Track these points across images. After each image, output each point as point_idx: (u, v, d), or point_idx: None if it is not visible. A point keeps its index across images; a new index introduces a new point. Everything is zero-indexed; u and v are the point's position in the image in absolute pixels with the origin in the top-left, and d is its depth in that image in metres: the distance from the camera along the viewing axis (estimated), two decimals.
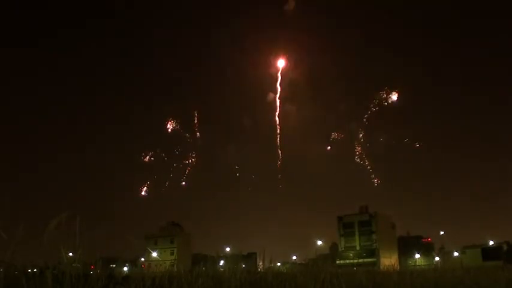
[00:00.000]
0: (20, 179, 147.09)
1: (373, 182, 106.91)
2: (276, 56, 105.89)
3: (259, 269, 12.29)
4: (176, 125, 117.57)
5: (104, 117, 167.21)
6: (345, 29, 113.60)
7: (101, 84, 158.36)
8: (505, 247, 77.89)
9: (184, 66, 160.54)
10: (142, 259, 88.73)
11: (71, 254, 7.92)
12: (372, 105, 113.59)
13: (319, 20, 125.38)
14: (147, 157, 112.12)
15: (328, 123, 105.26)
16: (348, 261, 75.79)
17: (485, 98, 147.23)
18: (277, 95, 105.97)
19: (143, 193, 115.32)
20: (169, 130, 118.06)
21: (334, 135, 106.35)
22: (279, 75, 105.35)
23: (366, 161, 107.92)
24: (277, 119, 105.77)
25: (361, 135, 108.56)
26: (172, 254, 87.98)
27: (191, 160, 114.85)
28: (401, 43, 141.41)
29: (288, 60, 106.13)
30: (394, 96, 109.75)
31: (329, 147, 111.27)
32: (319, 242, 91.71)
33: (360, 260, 76.48)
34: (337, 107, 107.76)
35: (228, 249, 79.14)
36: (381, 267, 38.28)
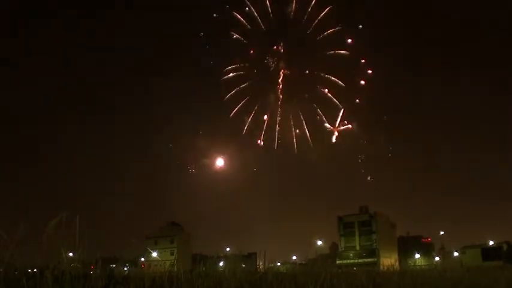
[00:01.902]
0: (20, 179, 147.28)
1: (372, 182, 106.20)
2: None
3: (259, 269, 12.28)
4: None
5: (104, 117, 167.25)
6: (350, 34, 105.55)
7: (101, 85, 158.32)
8: (505, 247, 77.82)
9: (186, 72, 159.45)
10: (142, 259, 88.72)
11: (71, 254, 7.92)
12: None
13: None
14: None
15: (329, 123, 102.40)
16: (348, 261, 75.71)
17: (485, 98, 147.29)
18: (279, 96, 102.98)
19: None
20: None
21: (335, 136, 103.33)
22: (280, 82, 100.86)
23: (366, 161, 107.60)
24: (278, 119, 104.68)
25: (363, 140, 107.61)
26: (172, 254, 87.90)
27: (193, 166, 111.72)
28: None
29: (288, 60, 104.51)
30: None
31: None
32: (319, 242, 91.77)
33: (360, 260, 76.47)
34: (337, 107, 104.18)
35: (228, 249, 79.03)
36: (381, 267, 38.26)
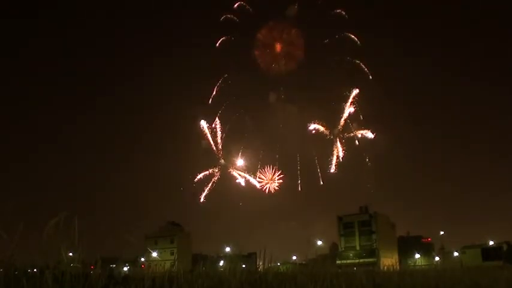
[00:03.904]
0: (20, 179, 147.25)
1: (371, 183, 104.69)
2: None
3: (258, 269, 12.28)
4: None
5: (105, 117, 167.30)
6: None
7: (102, 85, 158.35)
8: (505, 247, 77.96)
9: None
10: (142, 259, 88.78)
11: (71, 254, 7.92)
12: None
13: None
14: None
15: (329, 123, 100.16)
16: (348, 261, 75.83)
17: (485, 98, 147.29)
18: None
19: None
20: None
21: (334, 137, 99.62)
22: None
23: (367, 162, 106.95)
24: (278, 119, 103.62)
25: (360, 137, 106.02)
26: (172, 254, 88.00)
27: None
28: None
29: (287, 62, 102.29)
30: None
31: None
32: (319, 242, 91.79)
33: (360, 260, 76.57)
34: (336, 107, 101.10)
35: (228, 249, 79.04)
36: (381, 267, 38.29)
